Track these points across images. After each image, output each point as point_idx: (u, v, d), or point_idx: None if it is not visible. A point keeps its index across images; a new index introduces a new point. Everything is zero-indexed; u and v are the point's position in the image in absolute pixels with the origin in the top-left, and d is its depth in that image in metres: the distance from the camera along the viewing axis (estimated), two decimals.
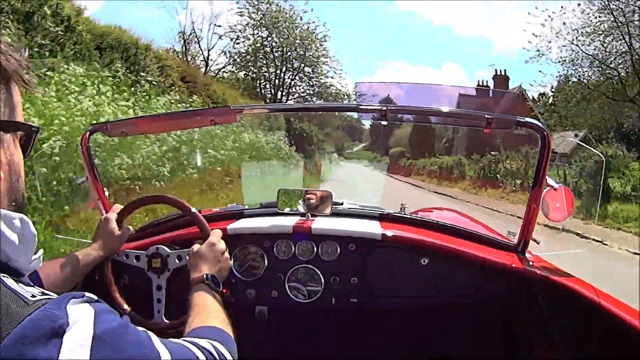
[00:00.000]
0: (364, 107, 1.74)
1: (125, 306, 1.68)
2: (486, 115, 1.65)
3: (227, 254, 1.57)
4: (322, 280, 1.82)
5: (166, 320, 1.66)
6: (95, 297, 0.74)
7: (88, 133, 1.89)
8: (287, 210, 1.98)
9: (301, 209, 1.96)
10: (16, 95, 0.78)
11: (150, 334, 0.78)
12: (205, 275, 1.41)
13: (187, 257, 1.56)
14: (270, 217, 1.97)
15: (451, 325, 2.10)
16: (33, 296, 0.66)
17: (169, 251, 1.69)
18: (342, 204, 2.22)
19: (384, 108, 1.70)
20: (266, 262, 1.85)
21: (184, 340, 0.92)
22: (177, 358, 0.78)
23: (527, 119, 1.65)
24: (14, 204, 0.77)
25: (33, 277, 1.30)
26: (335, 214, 1.96)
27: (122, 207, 1.72)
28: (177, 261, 1.67)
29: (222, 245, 1.56)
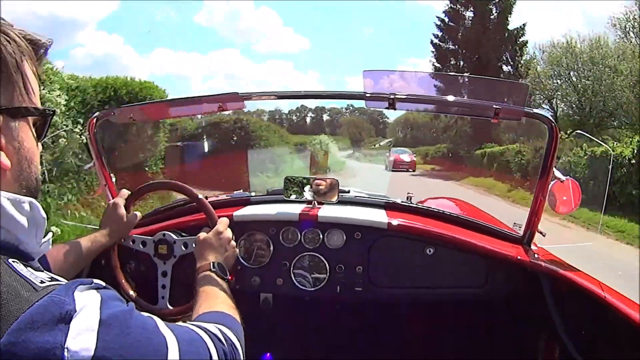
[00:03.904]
0: (371, 94, 1.73)
1: (132, 292, 1.69)
2: (494, 106, 1.64)
3: (233, 243, 1.57)
4: (328, 269, 1.82)
5: (170, 307, 1.67)
6: (103, 284, 0.74)
7: (95, 119, 1.89)
8: (293, 197, 1.98)
9: (309, 196, 1.95)
10: (31, 80, 0.78)
11: (156, 319, 0.78)
12: (212, 264, 1.42)
13: (194, 245, 1.56)
14: (277, 204, 1.98)
15: (455, 315, 2.11)
16: (42, 282, 0.67)
17: (176, 238, 1.70)
18: (348, 191, 2.21)
19: (392, 96, 1.69)
20: (272, 249, 1.86)
21: (190, 324, 0.92)
22: (184, 342, 0.78)
23: (535, 110, 1.64)
24: (24, 190, 0.77)
25: (41, 261, 1.31)
26: (341, 202, 1.96)
27: (129, 192, 1.71)
28: (183, 248, 1.67)
29: (228, 233, 1.56)
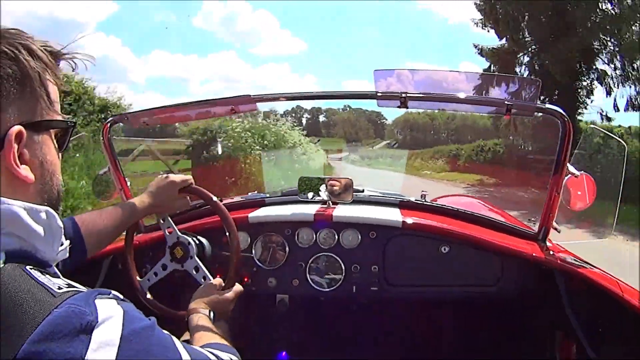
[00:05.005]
0: (383, 93, 1.73)
1: (149, 296, 1.67)
2: (506, 102, 1.63)
3: (231, 308, 1.51)
4: (343, 268, 1.83)
5: (149, 295, 1.66)
6: (121, 296, 0.76)
7: (109, 124, 1.91)
8: (308, 197, 1.98)
9: (324, 196, 1.96)
10: (53, 92, 0.80)
11: (174, 338, 0.80)
12: (210, 311, 1.40)
13: (203, 280, 1.57)
14: (292, 205, 1.99)
15: (470, 314, 2.10)
16: (59, 288, 0.68)
17: (195, 256, 1.64)
18: (362, 191, 2.22)
19: (404, 95, 1.70)
20: (287, 250, 1.87)
21: (205, 349, 0.94)
22: None
23: (548, 105, 1.64)
24: (46, 203, 0.79)
25: (69, 228, 1.31)
26: (355, 202, 1.96)
27: (193, 182, 1.66)
28: (194, 271, 1.64)
29: (232, 305, 1.51)
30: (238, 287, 1.56)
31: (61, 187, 0.85)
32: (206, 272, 1.62)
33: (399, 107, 1.72)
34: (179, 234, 1.67)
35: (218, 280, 1.56)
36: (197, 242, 1.69)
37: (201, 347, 1.05)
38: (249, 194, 2.40)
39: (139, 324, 0.71)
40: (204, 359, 0.87)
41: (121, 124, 2.00)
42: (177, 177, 1.63)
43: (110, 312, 0.68)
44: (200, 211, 2.04)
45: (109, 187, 2.05)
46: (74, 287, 0.72)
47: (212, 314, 1.40)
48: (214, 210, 1.65)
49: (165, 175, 1.64)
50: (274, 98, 1.85)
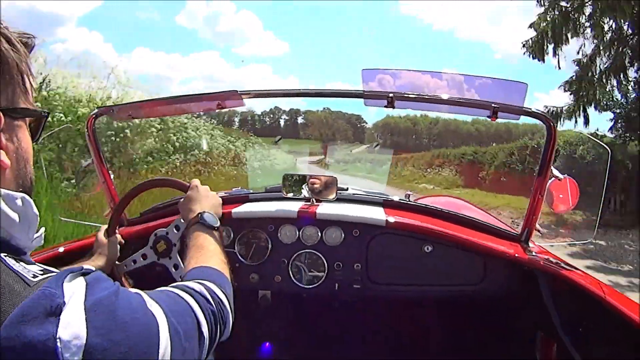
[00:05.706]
0: (370, 92, 1.73)
1: (123, 279, 1.69)
2: (493, 104, 1.64)
3: (213, 192, 1.58)
4: (326, 266, 1.83)
5: (122, 279, 1.68)
6: (93, 268, 0.76)
7: (94, 116, 1.89)
8: (292, 195, 1.98)
9: (305, 193, 1.96)
10: (27, 82, 0.80)
11: (142, 294, 0.78)
12: (199, 215, 1.42)
13: (180, 210, 1.58)
14: (275, 202, 1.98)
15: (454, 313, 2.11)
16: (34, 276, 0.68)
17: (166, 228, 1.67)
18: (347, 189, 2.22)
19: (391, 94, 1.70)
20: (270, 246, 1.86)
21: (175, 286, 0.93)
22: (171, 313, 0.79)
23: (534, 109, 1.65)
24: (21, 189, 0.79)
25: None
26: (339, 200, 1.96)
27: (105, 226, 1.75)
28: (175, 231, 1.64)
29: (206, 186, 1.58)
30: (192, 180, 1.62)
31: (33, 176, 0.84)
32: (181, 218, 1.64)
33: (385, 106, 1.72)
34: (146, 246, 1.70)
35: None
36: (158, 228, 1.72)
37: (185, 276, 1.07)
38: (233, 189, 2.39)
39: (101, 293, 0.70)
40: (175, 302, 0.86)
41: None
42: (98, 233, 1.75)
43: (74, 289, 0.68)
44: (172, 208, 2.02)
45: (92, 180, 2.03)
46: (49, 271, 0.71)
47: (202, 216, 1.42)
48: (167, 184, 1.73)
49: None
50: (261, 94, 1.85)
